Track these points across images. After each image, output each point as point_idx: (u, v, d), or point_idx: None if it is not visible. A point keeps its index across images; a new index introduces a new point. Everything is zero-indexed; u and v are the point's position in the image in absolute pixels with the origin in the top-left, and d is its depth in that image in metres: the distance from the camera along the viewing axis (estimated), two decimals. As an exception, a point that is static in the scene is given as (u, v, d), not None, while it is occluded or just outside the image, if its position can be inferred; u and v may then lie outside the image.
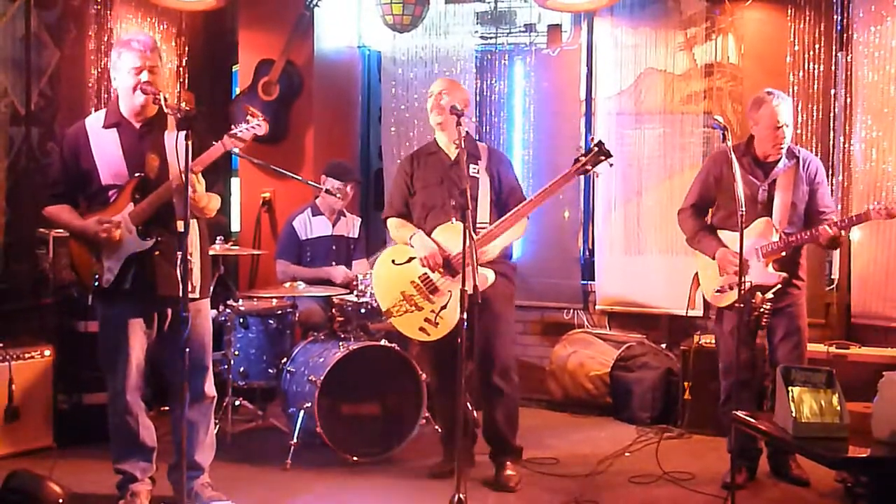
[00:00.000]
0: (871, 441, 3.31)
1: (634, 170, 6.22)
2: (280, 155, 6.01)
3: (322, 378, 4.66)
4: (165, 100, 3.65)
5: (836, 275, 5.82)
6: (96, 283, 3.83)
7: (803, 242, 4.36)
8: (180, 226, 3.63)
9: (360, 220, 5.91)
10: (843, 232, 4.28)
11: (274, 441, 5.02)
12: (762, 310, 4.31)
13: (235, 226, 6.68)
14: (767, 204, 4.41)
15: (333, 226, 5.75)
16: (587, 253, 6.54)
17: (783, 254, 4.34)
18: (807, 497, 4.39)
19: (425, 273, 4.40)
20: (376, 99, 7.09)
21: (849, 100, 5.69)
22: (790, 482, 4.50)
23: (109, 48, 5.76)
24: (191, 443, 3.91)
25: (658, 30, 6.13)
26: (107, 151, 3.84)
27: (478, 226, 4.31)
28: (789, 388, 3.39)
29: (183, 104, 4.21)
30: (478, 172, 4.50)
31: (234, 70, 6.82)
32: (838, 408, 3.35)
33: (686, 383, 5.47)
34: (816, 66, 5.77)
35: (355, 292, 5.06)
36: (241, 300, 5.31)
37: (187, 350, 3.47)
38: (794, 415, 3.33)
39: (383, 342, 4.90)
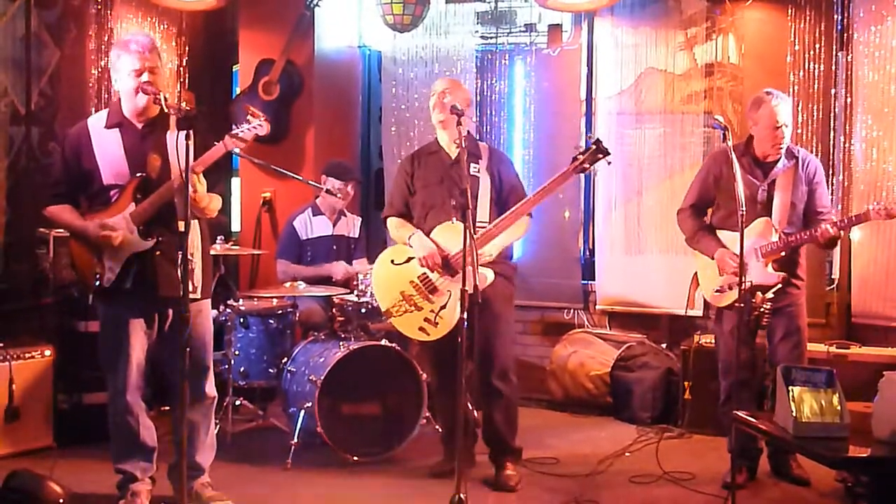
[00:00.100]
0: (871, 441, 3.31)
1: (635, 169, 6.22)
2: (280, 155, 6.01)
3: (322, 378, 4.66)
4: (166, 99, 3.65)
5: (836, 274, 5.82)
6: (97, 283, 3.83)
7: (803, 242, 4.36)
8: (181, 226, 3.63)
9: (360, 219, 5.92)
10: (842, 232, 4.28)
11: (274, 441, 5.02)
12: (762, 309, 4.31)
13: (236, 226, 6.68)
14: (767, 204, 4.41)
15: (334, 225, 5.75)
16: (587, 253, 6.54)
17: (782, 254, 4.34)
18: (807, 497, 4.39)
19: (424, 273, 4.40)
20: (377, 99, 7.10)
21: (849, 99, 5.69)
22: (791, 482, 4.50)
23: (110, 48, 5.75)
24: (191, 443, 3.91)
25: (658, 29, 6.13)
26: (109, 151, 3.84)
27: (477, 225, 4.30)
28: (790, 388, 3.39)
29: (183, 104, 4.20)
30: (478, 172, 4.49)
31: (234, 70, 6.82)
32: (839, 407, 3.35)
33: (686, 383, 5.47)
34: (817, 66, 5.77)
35: (355, 292, 5.06)
36: (241, 300, 5.31)
37: (188, 350, 3.47)
38: (794, 414, 3.33)
39: (384, 342, 4.90)
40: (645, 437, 5.35)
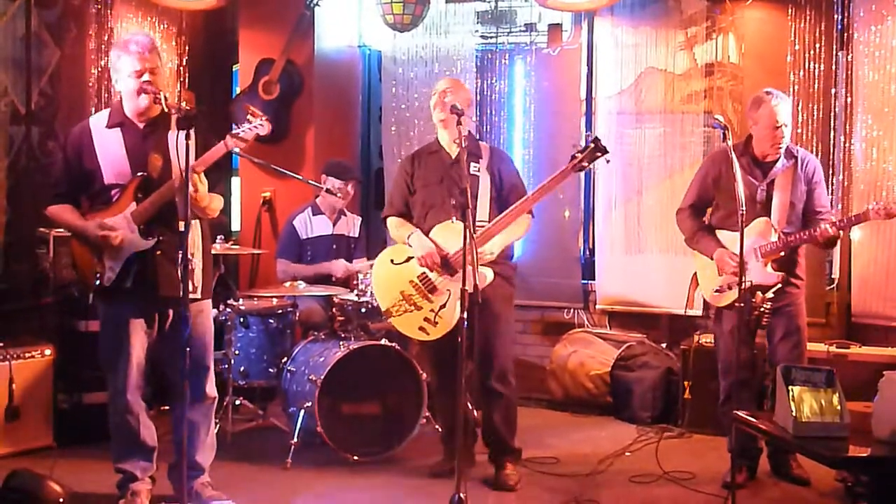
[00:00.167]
0: (871, 440, 3.31)
1: (635, 169, 6.22)
2: (280, 154, 6.01)
3: (322, 377, 4.66)
4: (166, 99, 3.66)
5: (836, 274, 5.82)
6: (97, 282, 3.83)
7: (802, 242, 4.36)
8: (182, 226, 3.63)
9: (360, 219, 5.92)
10: (841, 232, 4.28)
11: (274, 440, 5.02)
12: (762, 309, 4.31)
13: (236, 225, 6.68)
14: (766, 204, 4.41)
15: (334, 225, 5.75)
16: (587, 252, 6.54)
17: (781, 254, 4.34)
18: (807, 496, 4.39)
19: (424, 272, 4.40)
20: (377, 98, 7.09)
21: (849, 99, 5.69)
22: (791, 481, 4.50)
23: (110, 47, 5.75)
24: (191, 443, 3.91)
25: (658, 29, 6.13)
26: (110, 151, 3.84)
27: (477, 224, 4.30)
28: (789, 388, 3.39)
29: (183, 103, 4.20)
30: (478, 171, 4.49)
31: (234, 69, 6.83)
32: (839, 407, 3.35)
33: (686, 383, 5.47)
34: (817, 66, 5.77)
35: (356, 291, 5.06)
36: (241, 299, 5.31)
37: (188, 350, 3.47)
38: (794, 414, 3.33)
39: (384, 342, 4.90)
40: (645, 436, 5.35)
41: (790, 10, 5.82)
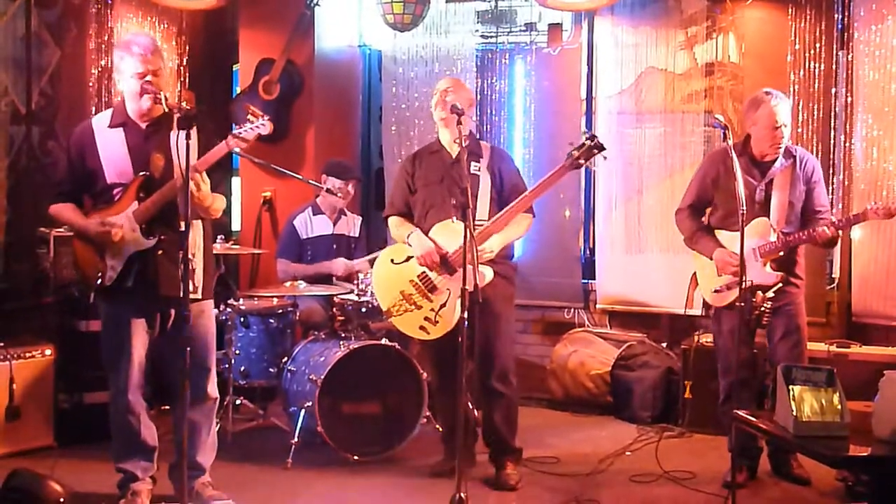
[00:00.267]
0: (871, 440, 3.31)
1: (635, 169, 6.22)
2: (281, 154, 6.01)
3: (323, 377, 4.66)
4: (166, 99, 3.66)
5: (836, 274, 5.83)
6: (99, 281, 3.84)
7: (801, 242, 4.36)
8: (183, 225, 3.63)
9: (360, 219, 5.92)
10: (840, 232, 4.28)
11: (275, 440, 5.02)
12: (762, 309, 4.31)
13: (236, 225, 6.68)
14: (765, 203, 4.41)
15: (334, 225, 5.75)
16: (588, 252, 6.54)
17: (781, 254, 4.34)
18: (808, 496, 4.39)
19: (424, 272, 4.40)
20: (377, 98, 7.09)
21: (850, 99, 5.69)
22: (791, 481, 4.50)
23: (110, 47, 5.78)
24: (192, 443, 3.91)
25: (659, 29, 6.13)
26: (112, 151, 3.85)
27: (476, 223, 4.30)
28: (790, 387, 3.39)
29: (183, 103, 4.20)
30: (479, 170, 4.50)
31: (234, 69, 6.82)
32: (839, 407, 3.35)
33: (687, 382, 5.47)
34: (817, 65, 5.77)
35: (356, 291, 5.06)
36: (241, 299, 5.31)
37: (188, 349, 3.47)
38: (794, 414, 3.33)
39: (384, 341, 4.90)
40: (645, 436, 5.35)
41: (790, 10, 5.82)
